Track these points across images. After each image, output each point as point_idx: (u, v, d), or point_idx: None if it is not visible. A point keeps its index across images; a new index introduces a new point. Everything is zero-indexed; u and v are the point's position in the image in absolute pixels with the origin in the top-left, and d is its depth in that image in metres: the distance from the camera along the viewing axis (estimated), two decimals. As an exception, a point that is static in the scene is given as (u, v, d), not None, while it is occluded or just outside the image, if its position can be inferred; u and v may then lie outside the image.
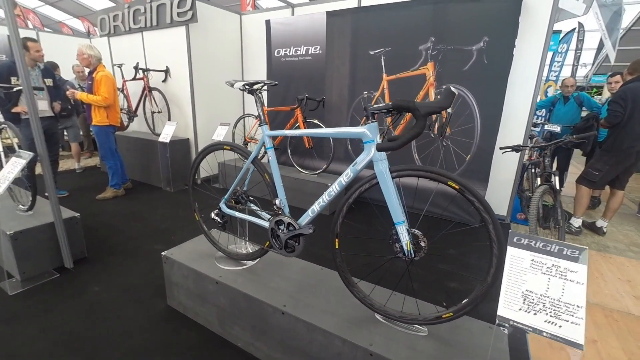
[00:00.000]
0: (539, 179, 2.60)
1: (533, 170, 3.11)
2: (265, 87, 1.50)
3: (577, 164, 5.85)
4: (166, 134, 3.87)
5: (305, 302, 1.39)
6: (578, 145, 2.94)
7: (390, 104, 1.07)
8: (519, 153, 3.06)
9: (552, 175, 2.47)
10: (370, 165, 1.20)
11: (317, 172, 3.57)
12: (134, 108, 4.44)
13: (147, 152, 4.21)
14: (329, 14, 3.64)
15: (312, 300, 1.40)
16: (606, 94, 10.93)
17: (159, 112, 4.25)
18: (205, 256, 1.77)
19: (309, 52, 3.89)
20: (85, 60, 3.22)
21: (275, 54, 4.12)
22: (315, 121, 3.45)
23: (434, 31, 3.12)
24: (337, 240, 1.31)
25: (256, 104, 1.47)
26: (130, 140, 4.38)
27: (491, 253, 1.08)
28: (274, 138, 4.16)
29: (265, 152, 1.48)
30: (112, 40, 4.77)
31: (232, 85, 1.49)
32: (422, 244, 1.19)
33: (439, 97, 1.01)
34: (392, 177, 1.16)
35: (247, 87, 1.46)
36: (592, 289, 2.19)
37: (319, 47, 3.81)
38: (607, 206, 3.07)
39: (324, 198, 1.31)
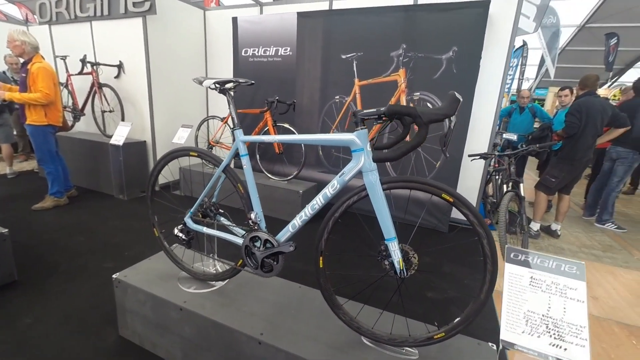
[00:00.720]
0: (505, 186, 2.70)
1: (497, 177, 3.24)
2: (236, 87, 1.34)
3: (528, 171, 6.32)
4: (119, 136, 3.49)
5: (285, 327, 1.25)
6: (536, 154, 3.11)
7: (383, 109, 0.98)
8: (485, 161, 3.17)
9: (518, 183, 2.57)
10: (359, 175, 1.10)
11: (288, 178, 3.42)
12: (80, 106, 3.96)
13: (96, 155, 3.77)
14: (300, 15, 3.53)
15: (293, 325, 1.26)
16: (547, 106, 12.10)
17: (110, 111, 3.83)
18: (166, 277, 1.55)
19: (279, 53, 3.74)
20: (17, 49, 2.77)
21: (243, 54, 3.92)
22: (286, 125, 3.31)
23: (406, 38, 3.15)
24: (321, 258, 1.19)
25: (228, 105, 1.31)
26: (76, 142, 3.90)
27: (485, 269, 1.03)
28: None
29: (231, 159, 1.32)
30: (55, 29, 4.23)
31: (200, 83, 1.32)
32: (413, 259, 1.11)
33: (443, 103, 0.92)
34: (383, 189, 1.07)
35: (217, 85, 1.29)
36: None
37: (289, 49, 3.69)
38: (558, 210, 3.30)
39: (307, 212, 1.18)
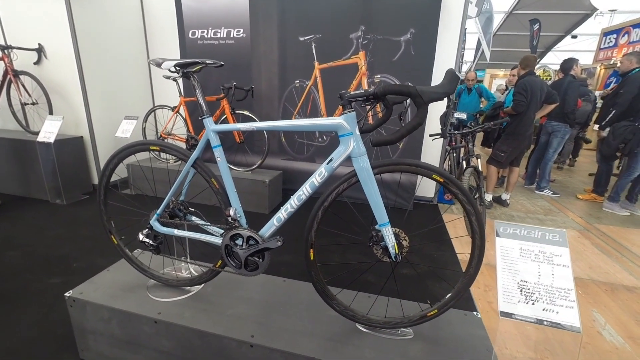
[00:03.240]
0: (465, 162, 2.85)
1: (454, 154, 3.43)
2: (201, 70, 1.19)
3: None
4: (48, 132, 3.01)
5: (277, 326, 1.18)
6: (489, 131, 3.33)
7: (374, 89, 0.92)
8: (444, 140, 3.33)
9: (476, 159, 2.73)
10: (347, 161, 1.05)
11: (252, 168, 3.27)
12: (-9, 98, 3.33)
13: (21, 156, 3.23)
14: (252, -7, 3.30)
15: (284, 323, 1.20)
16: (486, 86, 13.11)
17: (33, 104, 3.28)
18: (132, 288, 1.38)
19: (231, 36, 3.49)
20: None
21: (190, 36, 3.59)
22: (246, 112, 3.13)
23: (364, 20, 3.11)
24: (311, 250, 1.13)
25: (195, 91, 1.15)
26: (-9, 142, 3.29)
27: (473, 244, 1.06)
28: (191, 140, 3.67)
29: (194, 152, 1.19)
30: (-56, 5, 3.45)
31: (158, 65, 1.14)
32: (404, 242, 1.10)
33: (442, 80, 0.89)
34: (374, 174, 1.03)
35: (179, 68, 1.13)
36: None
37: (242, 31, 3.45)
38: (508, 181, 3.62)
39: (292, 203, 1.10)
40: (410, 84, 0.90)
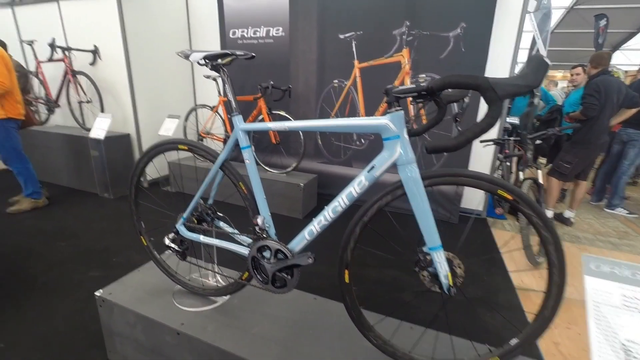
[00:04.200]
0: (522, 173, 2.53)
1: (508, 164, 3.08)
2: (232, 62, 1.09)
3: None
4: (99, 129, 3.18)
5: (304, 352, 1.05)
6: (544, 138, 2.94)
7: (427, 83, 0.76)
8: (497, 147, 3.00)
9: (535, 169, 2.40)
10: (392, 169, 0.89)
11: (287, 170, 3.19)
12: (54, 97, 3.60)
13: (76, 151, 3.46)
14: (293, -10, 3.23)
15: (313, 349, 1.07)
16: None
17: (88, 102, 3.50)
18: (158, 292, 1.33)
19: (270, 34, 3.45)
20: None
21: (231, 35, 3.61)
22: (282, 113, 3.06)
23: (409, 15, 2.90)
24: (347, 272, 0.99)
25: (224, 85, 1.07)
26: (52, 137, 3.56)
27: (550, 280, 0.85)
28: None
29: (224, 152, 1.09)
30: (18, 11, 3.82)
31: (187, 57, 1.07)
32: (458, 269, 0.92)
33: (525, 68, 0.68)
34: (425, 186, 0.87)
35: (208, 60, 1.05)
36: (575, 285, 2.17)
37: (281, 29, 3.40)
38: (573, 197, 3.17)
39: (327, 215, 0.97)
40: (478, 75, 0.72)
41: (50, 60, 3.38)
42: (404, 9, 2.91)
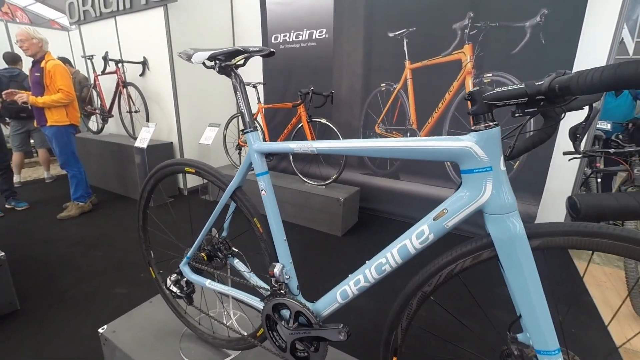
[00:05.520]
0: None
1: (599, 180, 2.47)
2: (246, 61, 0.85)
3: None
4: (143, 138, 3.22)
5: None
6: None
7: (546, 82, 0.44)
8: (580, 160, 2.42)
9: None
10: (471, 219, 0.56)
11: (326, 182, 2.92)
12: (107, 107, 3.78)
13: (122, 158, 3.57)
14: (338, -12, 2.98)
15: None
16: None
17: (136, 112, 3.60)
18: (166, 335, 1.13)
19: (313, 37, 3.23)
20: (34, 47, 2.56)
21: (273, 41, 3.47)
22: (323, 120, 2.80)
23: (473, 4, 2.47)
24: (395, 358, 0.67)
25: (236, 93, 0.82)
26: (103, 145, 3.73)
27: None
28: (268, 156, 3.31)
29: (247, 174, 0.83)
30: (84, 29, 4.10)
31: (189, 58, 0.85)
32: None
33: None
34: (533, 249, 0.52)
35: (216, 61, 0.81)
36: None
37: (324, 31, 3.16)
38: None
39: (368, 275, 0.67)
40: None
41: (104, 72, 3.53)
42: (467, -2, 2.49)
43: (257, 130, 0.82)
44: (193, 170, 0.91)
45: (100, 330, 1.15)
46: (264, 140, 3.28)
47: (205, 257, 1.01)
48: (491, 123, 0.52)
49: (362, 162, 3.24)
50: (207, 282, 0.96)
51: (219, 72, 0.83)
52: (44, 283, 2.02)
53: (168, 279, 1.02)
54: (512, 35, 2.38)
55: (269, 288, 0.85)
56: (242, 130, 0.79)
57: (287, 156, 3.32)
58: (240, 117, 3.57)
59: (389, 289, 1.68)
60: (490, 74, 2.52)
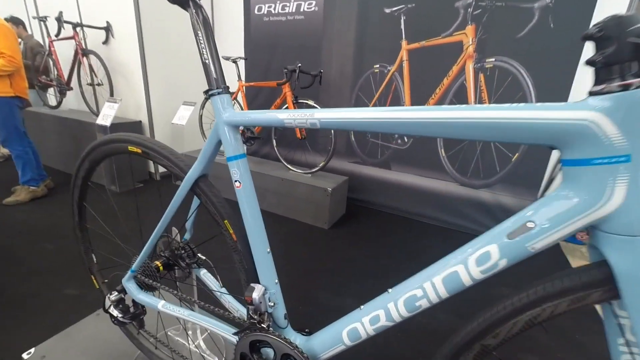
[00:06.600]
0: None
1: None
2: None
3: None
4: (106, 114, 2.84)
5: None
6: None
7: None
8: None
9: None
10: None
11: (312, 170, 2.69)
12: (65, 78, 3.32)
13: (84, 138, 3.16)
14: (331, -46, 2.68)
15: None
16: None
17: (98, 85, 3.18)
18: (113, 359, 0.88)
19: (301, 10, 2.92)
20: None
21: (256, 12, 3.13)
22: (310, 102, 2.55)
23: (480, -20, 2.25)
24: None
25: (196, 36, 0.57)
26: (60, 122, 3.29)
27: None
28: (249, 139, 3.05)
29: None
30: (36, -14, 3.56)
31: None
32: None
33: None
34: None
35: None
36: None
37: (314, 3, 2.86)
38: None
39: (393, 311, 0.45)
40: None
41: (57, 36, 3.07)
42: (472, -27, 2.27)
43: (228, 93, 0.57)
44: (139, 150, 0.66)
45: (24, 355, 0.89)
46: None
47: (162, 267, 0.76)
48: (635, 80, 0.31)
49: (350, 150, 3.02)
50: (161, 305, 0.71)
51: (171, 1, 0.57)
52: (-24, 282, 1.70)
53: (107, 298, 0.77)
54: (519, 17, 2.19)
55: (245, 315, 0.62)
56: (206, 92, 0.52)
57: (269, 140, 3.04)
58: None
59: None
60: (493, 59, 2.34)
